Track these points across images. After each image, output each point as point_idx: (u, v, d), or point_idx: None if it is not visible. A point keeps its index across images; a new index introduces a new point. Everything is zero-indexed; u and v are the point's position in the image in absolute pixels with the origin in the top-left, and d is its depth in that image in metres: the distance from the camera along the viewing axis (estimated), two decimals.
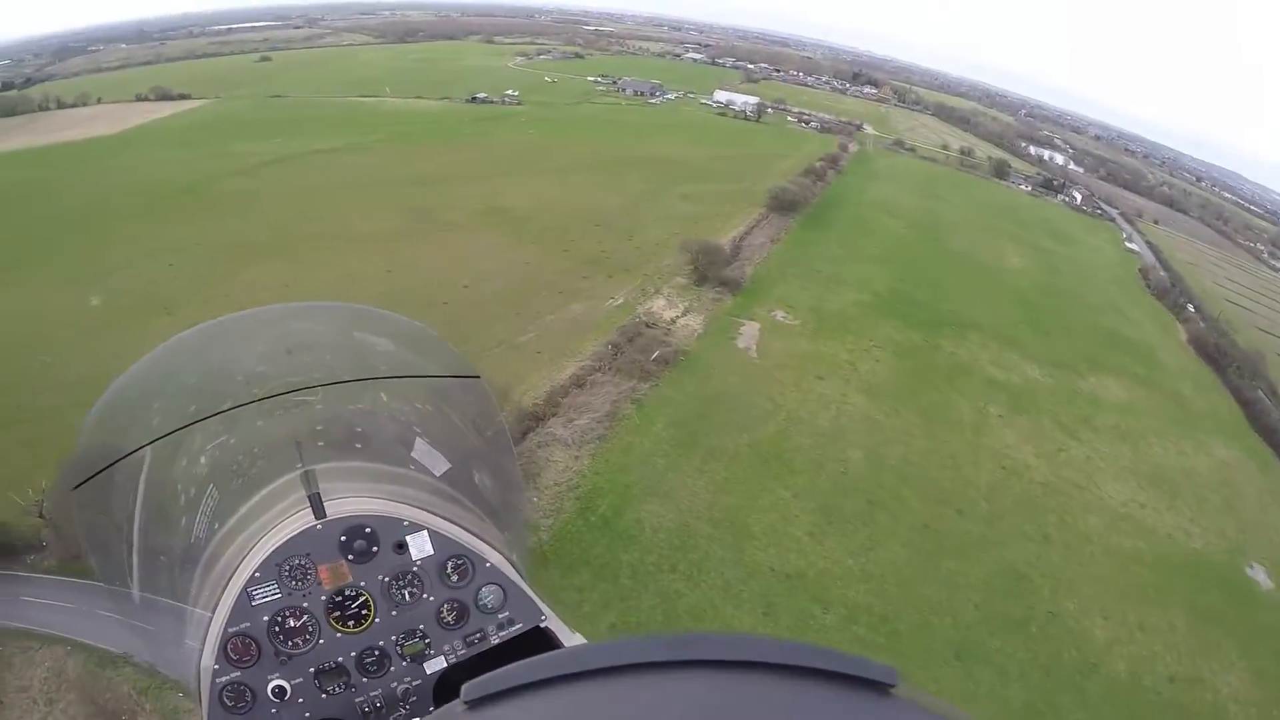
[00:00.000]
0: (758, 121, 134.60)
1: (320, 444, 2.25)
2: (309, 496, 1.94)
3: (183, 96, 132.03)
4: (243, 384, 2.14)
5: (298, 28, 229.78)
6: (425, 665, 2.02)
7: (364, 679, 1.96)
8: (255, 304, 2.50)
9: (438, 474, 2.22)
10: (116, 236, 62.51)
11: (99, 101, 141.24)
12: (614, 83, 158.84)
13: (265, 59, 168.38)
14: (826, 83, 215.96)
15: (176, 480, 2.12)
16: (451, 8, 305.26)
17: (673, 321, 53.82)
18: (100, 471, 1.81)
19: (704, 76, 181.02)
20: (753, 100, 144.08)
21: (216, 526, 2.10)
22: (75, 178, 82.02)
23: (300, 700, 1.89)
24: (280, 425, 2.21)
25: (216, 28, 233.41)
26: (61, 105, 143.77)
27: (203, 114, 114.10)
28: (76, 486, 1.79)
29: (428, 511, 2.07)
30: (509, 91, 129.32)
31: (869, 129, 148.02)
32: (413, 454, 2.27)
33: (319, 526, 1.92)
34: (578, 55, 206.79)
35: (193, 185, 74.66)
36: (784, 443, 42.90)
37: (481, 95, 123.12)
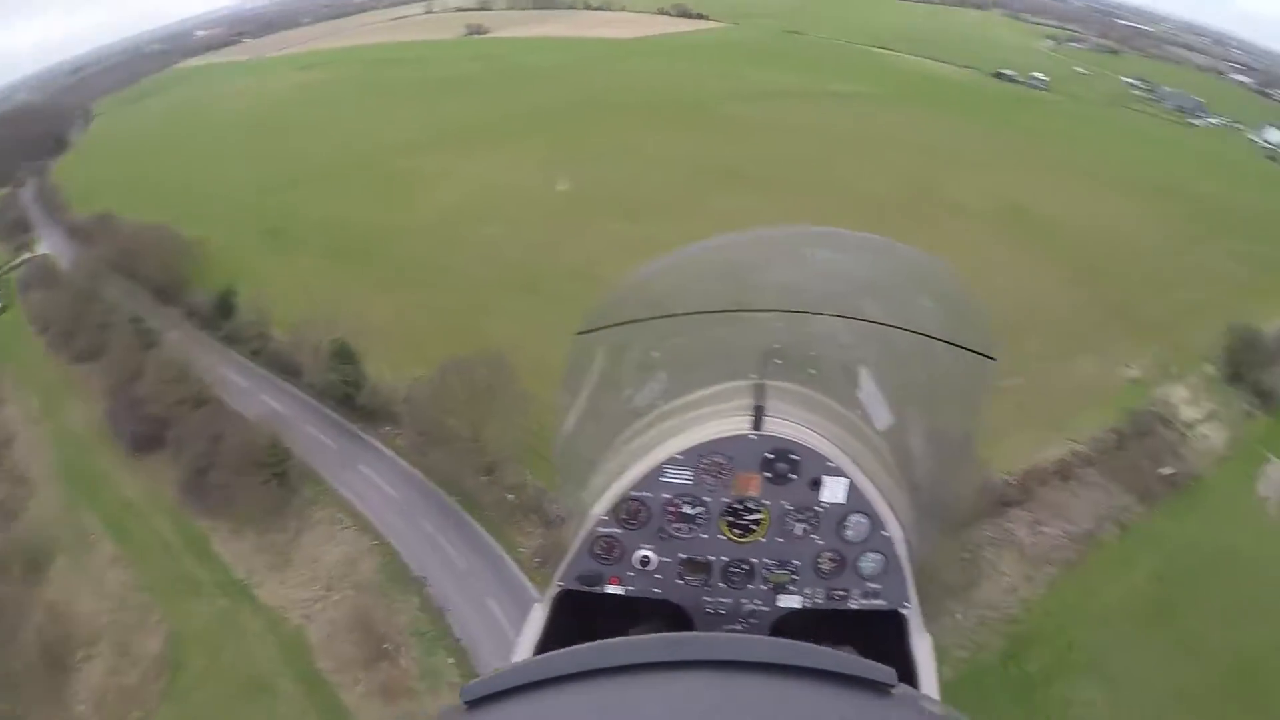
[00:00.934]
0: None
1: (778, 361, 2.20)
2: (754, 407, 1.94)
3: (700, 16, 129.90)
4: (738, 291, 2.28)
5: None
6: (780, 597, 2.01)
7: (722, 584, 1.99)
8: (715, 233, 2.34)
9: (880, 426, 2.12)
10: (601, 130, 56.91)
11: (623, 9, 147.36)
12: (1151, 90, 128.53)
13: None
14: None
15: (637, 357, 2.21)
16: None
17: (1190, 426, 38.14)
18: (599, 329, 1.98)
19: (1253, 106, 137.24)
20: None
21: (659, 404, 2.13)
22: (580, 74, 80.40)
23: (658, 576, 1.96)
24: (746, 336, 2.24)
25: None
26: (589, 6, 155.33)
27: (717, 35, 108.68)
28: (579, 333, 1.96)
29: (853, 461, 1.97)
30: (1036, 74, 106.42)
31: None
32: (859, 394, 2.17)
33: (752, 437, 1.93)
34: (1112, 50, 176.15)
35: (694, 101, 66.92)
36: None
37: (1008, 72, 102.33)
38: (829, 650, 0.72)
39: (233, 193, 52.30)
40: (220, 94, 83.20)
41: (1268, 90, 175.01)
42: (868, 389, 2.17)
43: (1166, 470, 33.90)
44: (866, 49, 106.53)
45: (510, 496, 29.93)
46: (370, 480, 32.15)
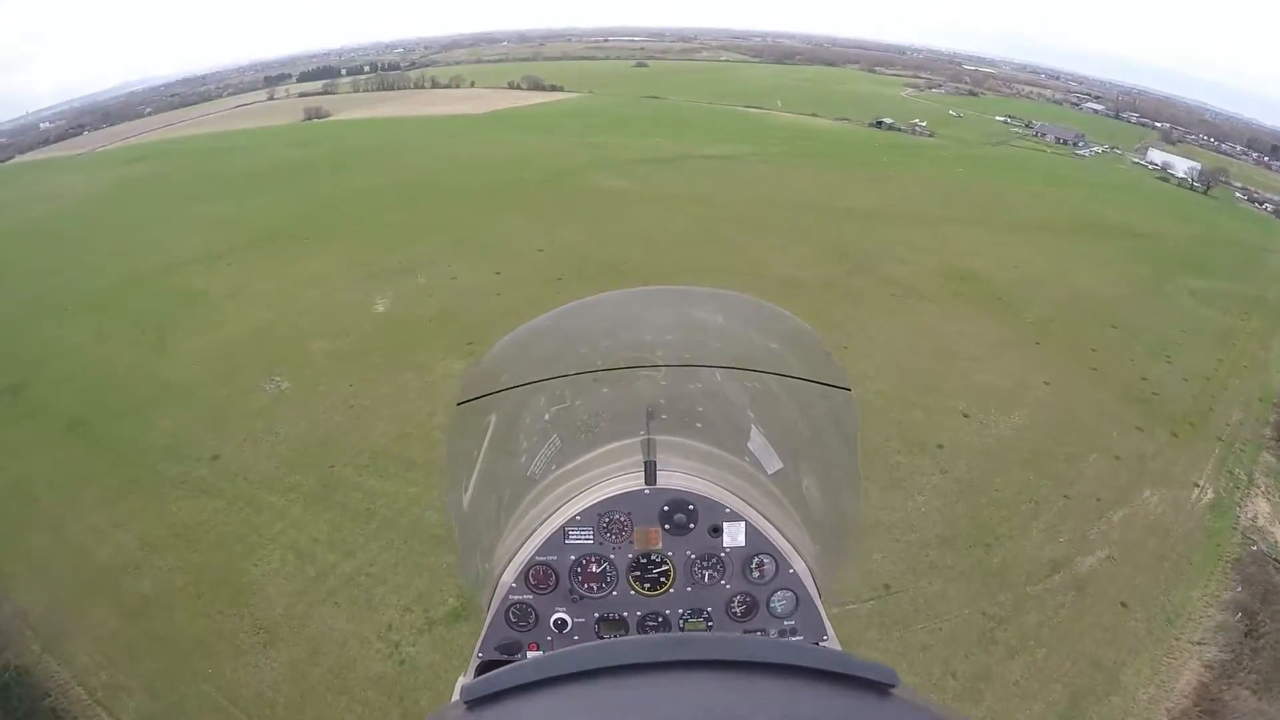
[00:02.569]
0: (1206, 194, 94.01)
1: (664, 416, 2.19)
2: (645, 462, 1.94)
3: (555, 88, 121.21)
4: (612, 349, 2.29)
5: (673, 42, 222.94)
6: None
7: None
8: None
9: (770, 471, 2.14)
10: (441, 217, 44.54)
11: (472, 85, 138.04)
12: (1027, 125, 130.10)
13: (642, 65, 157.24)
14: (1243, 153, 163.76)
15: (527, 422, 2.19)
16: (821, 39, 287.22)
17: None
18: (481, 397, 1.95)
19: (1117, 131, 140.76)
20: (1195, 165, 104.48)
21: (553, 469, 2.13)
22: (417, 152, 68.42)
23: (575, 637, 1.95)
24: (630, 394, 2.24)
25: (593, 38, 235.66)
26: (436, 85, 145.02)
27: (573, 105, 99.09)
28: (459, 404, 1.92)
29: (750, 505, 1.98)
30: (916, 121, 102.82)
31: None
32: (749, 445, 2.19)
33: (646, 491, 1.94)
34: (971, 93, 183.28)
35: (554, 174, 55.35)
36: None
37: (887, 121, 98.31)
38: (830, 650, 0.70)
39: None
40: (28, 195, 65.07)
41: (1121, 115, 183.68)
42: (755, 439, 2.19)
43: None
44: (733, 109, 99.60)
45: None
46: None
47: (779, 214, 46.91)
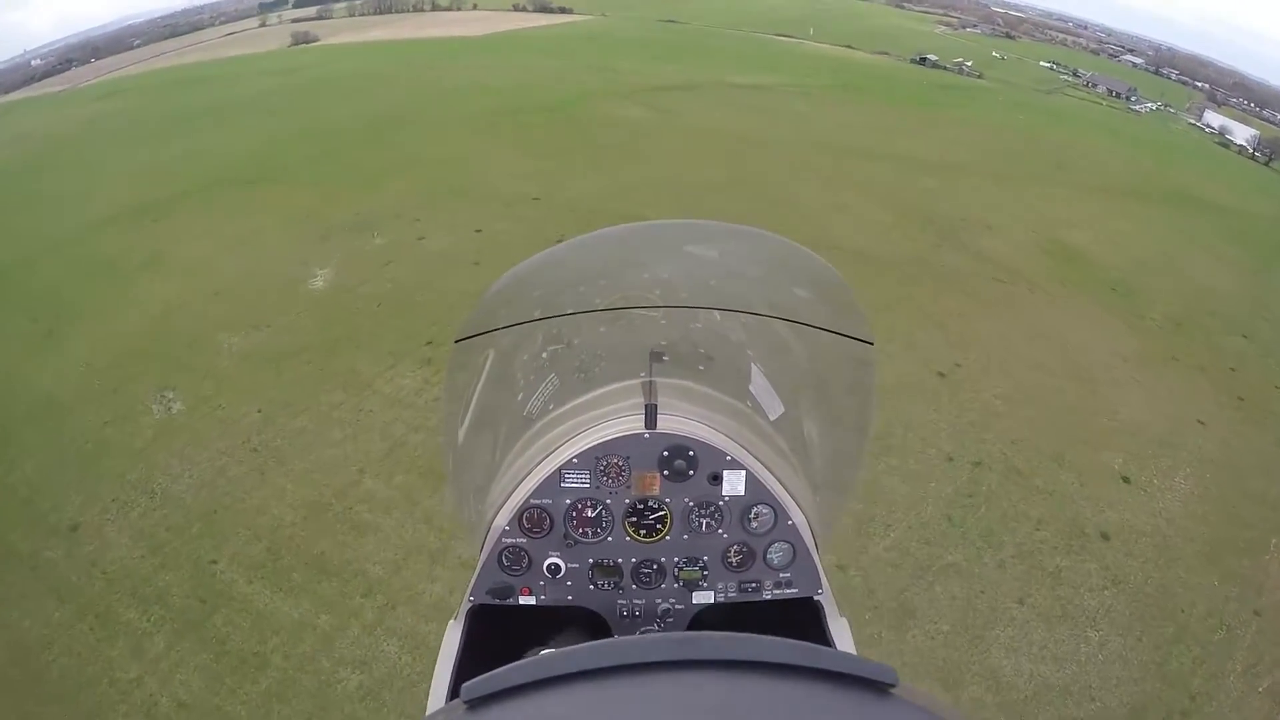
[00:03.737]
0: (1268, 165, 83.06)
1: (666, 359, 2.13)
2: (646, 405, 1.89)
3: (563, 10, 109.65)
4: (615, 288, 2.20)
5: None
6: (694, 594, 1.99)
7: (634, 585, 1.97)
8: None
9: (772, 417, 2.10)
10: (422, 155, 35.32)
11: (474, 7, 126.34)
12: (1075, 74, 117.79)
13: None
14: None
15: (524, 361, 2.17)
16: None
17: None
18: (479, 334, 1.88)
19: (1160, 87, 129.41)
20: (1254, 133, 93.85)
21: (551, 408, 2.09)
22: (402, 79, 58.56)
23: (569, 583, 1.93)
24: (632, 334, 2.19)
25: None
26: (436, 7, 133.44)
27: (583, 27, 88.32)
28: (458, 341, 1.86)
29: (751, 454, 1.94)
30: (962, 60, 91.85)
31: None
32: (750, 388, 2.15)
33: (646, 435, 1.89)
34: (1008, 35, 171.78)
35: (559, 102, 45.76)
36: None
37: (931, 58, 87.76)
38: (830, 650, 0.72)
39: None
40: None
41: (1161, 71, 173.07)
42: (757, 381, 2.16)
43: None
44: (762, 36, 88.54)
45: None
46: None
47: (832, 160, 37.46)
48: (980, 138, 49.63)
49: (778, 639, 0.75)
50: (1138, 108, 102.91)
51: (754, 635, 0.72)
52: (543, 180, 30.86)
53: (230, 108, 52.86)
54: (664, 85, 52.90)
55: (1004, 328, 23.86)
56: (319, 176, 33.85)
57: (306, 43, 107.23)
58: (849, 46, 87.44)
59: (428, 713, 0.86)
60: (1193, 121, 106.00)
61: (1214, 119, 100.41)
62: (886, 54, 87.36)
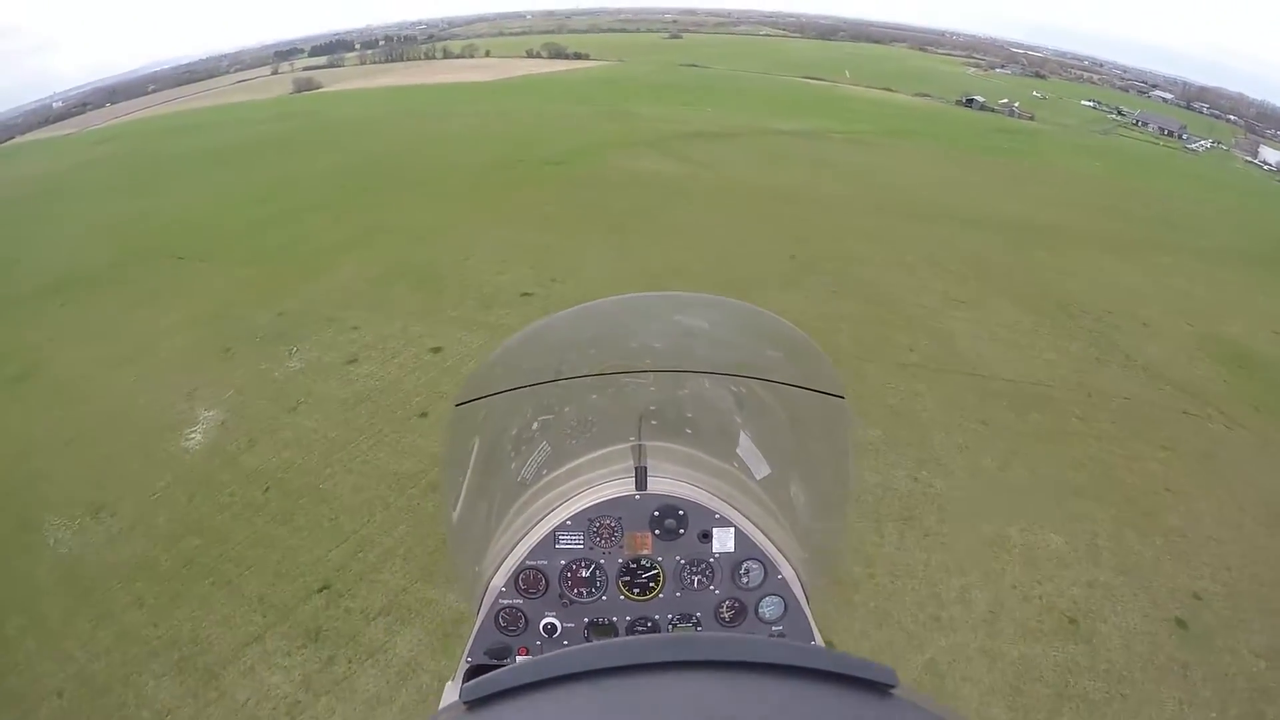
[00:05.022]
0: None
1: (654, 423, 2.17)
2: (636, 468, 1.92)
3: (579, 56, 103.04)
4: (603, 356, 2.24)
5: (707, 17, 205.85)
6: None
7: None
8: None
9: (758, 477, 2.12)
10: (381, 228, 26.97)
11: (487, 54, 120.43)
12: (1119, 112, 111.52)
13: (676, 37, 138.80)
14: None
15: (517, 428, 2.18)
16: (854, 21, 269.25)
17: None
18: (475, 400, 1.88)
19: (1204, 124, 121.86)
20: None
21: (544, 474, 2.10)
22: (394, 126, 51.26)
23: (565, 642, 1.93)
24: (621, 400, 2.20)
25: (623, 15, 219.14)
26: (448, 55, 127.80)
27: (601, 73, 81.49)
28: (457, 405, 1.88)
29: (739, 511, 1.96)
30: (1008, 101, 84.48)
31: None
32: (738, 450, 2.18)
33: (637, 497, 1.91)
34: (1038, 75, 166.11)
35: (569, 153, 37.89)
36: None
37: (979, 99, 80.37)
38: (830, 650, 0.71)
39: None
40: None
41: (1192, 105, 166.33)
42: (744, 443, 2.18)
43: None
44: (792, 80, 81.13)
45: None
46: None
47: (918, 227, 28.54)
48: (1062, 190, 41.13)
49: (777, 640, 0.73)
50: (1194, 146, 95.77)
51: (753, 636, 0.69)
52: (539, 262, 22.15)
53: (202, 158, 45.72)
54: (693, 132, 44.95)
55: (1226, 502, 14.76)
56: (259, 251, 25.75)
57: (310, 89, 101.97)
58: (888, 89, 79.73)
59: None
60: (1248, 159, 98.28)
61: (1271, 156, 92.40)
62: (928, 95, 79.69)
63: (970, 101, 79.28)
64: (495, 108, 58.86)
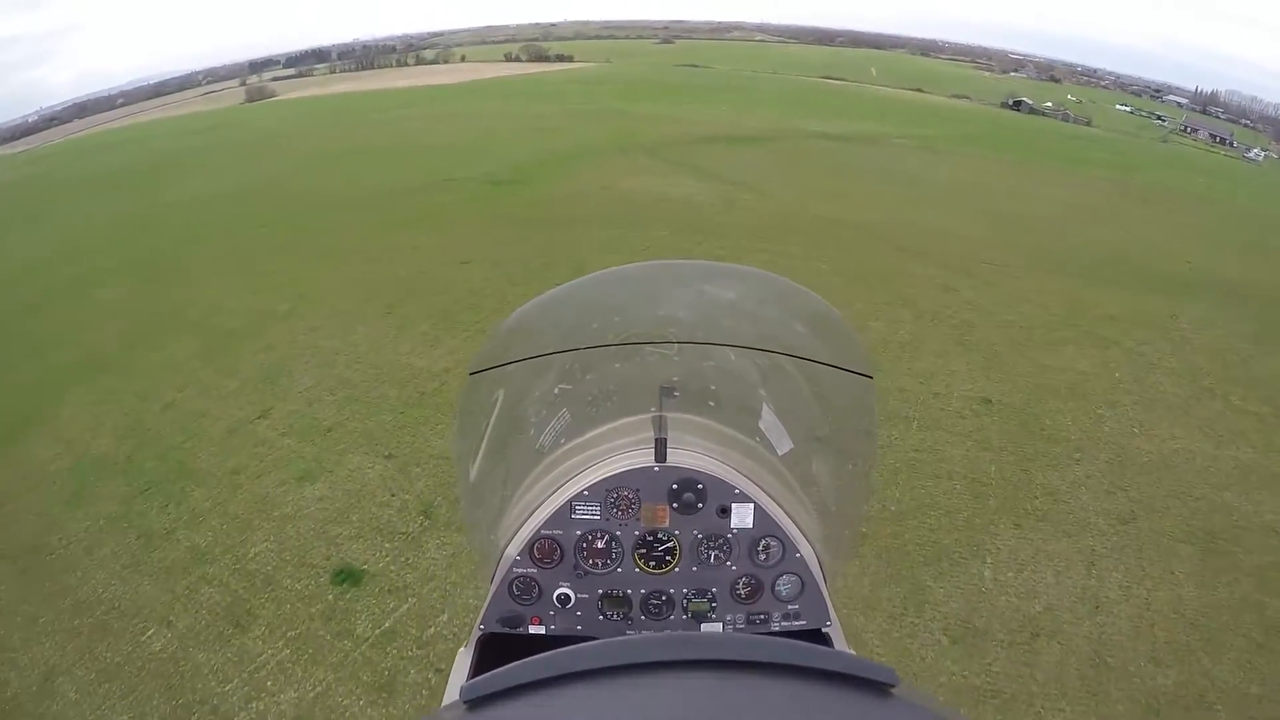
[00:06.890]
0: None
1: (676, 394, 2.08)
2: (656, 440, 1.84)
3: (561, 58, 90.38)
4: (627, 324, 2.09)
5: (698, 24, 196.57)
6: (703, 626, 1.93)
7: (643, 616, 1.91)
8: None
9: (780, 452, 2.02)
10: (220, 305, 13.93)
11: (462, 59, 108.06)
12: (1156, 117, 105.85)
13: (667, 41, 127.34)
14: None
15: (536, 396, 2.10)
16: (841, 31, 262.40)
17: None
18: (492, 368, 1.83)
19: (1228, 130, 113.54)
20: None
21: (562, 443, 2.02)
22: (318, 136, 38.74)
23: (578, 613, 1.87)
24: (643, 370, 2.09)
25: (611, 26, 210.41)
26: (421, 62, 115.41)
27: (588, 73, 69.28)
28: (472, 373, 1.83)
29: (759, 488, 1.89)
30: (1051, 104, 74.04)
31: None
32: (760, 424, 2.08)
33: (656, 469, 1.83)
34: (1053, 79, 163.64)
35: (521, 167, 25.11)
36: None
37: (1027, 102, 70.38)
38: (830, 650, 0.70)
39: None
40: None
41: (1208, 110, 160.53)
42: (766, 418, 2.10)
43: None
44: (806, 80, 68.66)
45: None
46: None
47: (1101, 293, 15.66)
48: (1189, 218, 28.29)
49: (777, 639, 0.74)
50: (1251, 156, 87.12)
51: (754, 635, 0.73)
52: (399, 449, 9.35)
53: (85, 185, 33.41)
54: (707, 135, 32.29)
55: None
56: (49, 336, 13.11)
57: (260, 99, 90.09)
58: (919, 89, 67.59)
59: None
60: None
61: None
62: (966, 97, 67.99)
63: (1018, 104, 68.68)
64: (453, 109, 46.24)
